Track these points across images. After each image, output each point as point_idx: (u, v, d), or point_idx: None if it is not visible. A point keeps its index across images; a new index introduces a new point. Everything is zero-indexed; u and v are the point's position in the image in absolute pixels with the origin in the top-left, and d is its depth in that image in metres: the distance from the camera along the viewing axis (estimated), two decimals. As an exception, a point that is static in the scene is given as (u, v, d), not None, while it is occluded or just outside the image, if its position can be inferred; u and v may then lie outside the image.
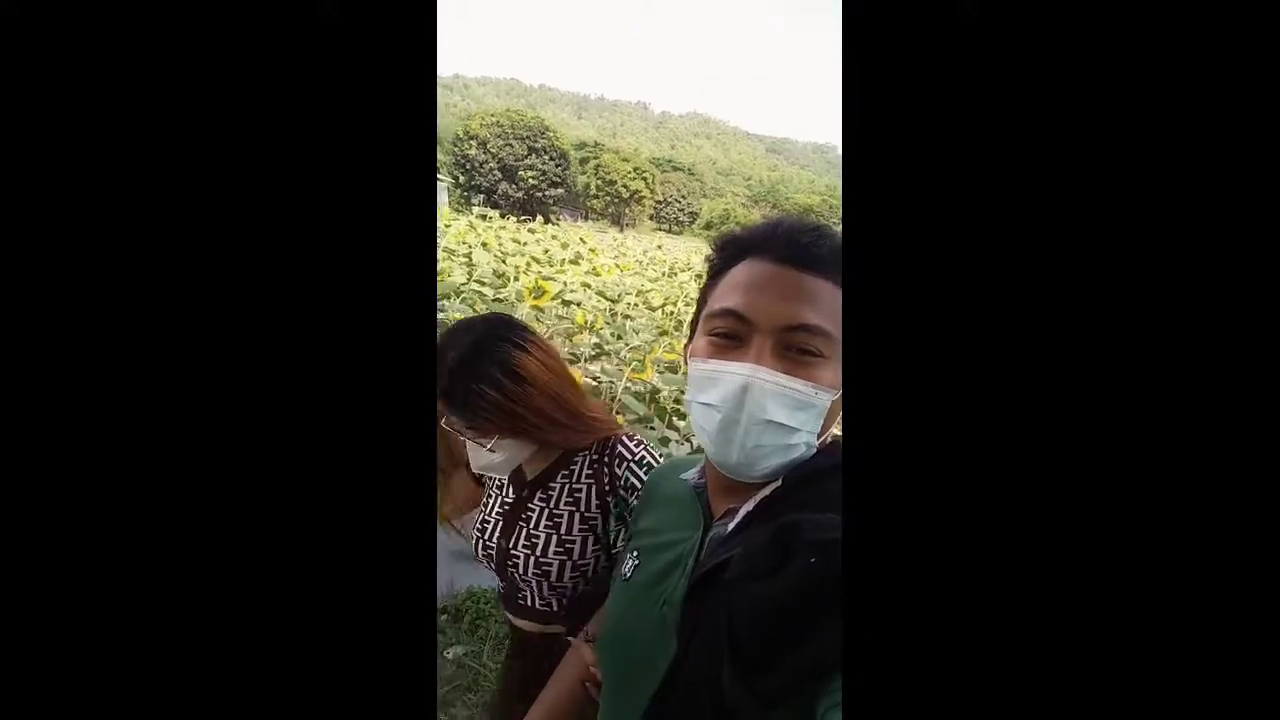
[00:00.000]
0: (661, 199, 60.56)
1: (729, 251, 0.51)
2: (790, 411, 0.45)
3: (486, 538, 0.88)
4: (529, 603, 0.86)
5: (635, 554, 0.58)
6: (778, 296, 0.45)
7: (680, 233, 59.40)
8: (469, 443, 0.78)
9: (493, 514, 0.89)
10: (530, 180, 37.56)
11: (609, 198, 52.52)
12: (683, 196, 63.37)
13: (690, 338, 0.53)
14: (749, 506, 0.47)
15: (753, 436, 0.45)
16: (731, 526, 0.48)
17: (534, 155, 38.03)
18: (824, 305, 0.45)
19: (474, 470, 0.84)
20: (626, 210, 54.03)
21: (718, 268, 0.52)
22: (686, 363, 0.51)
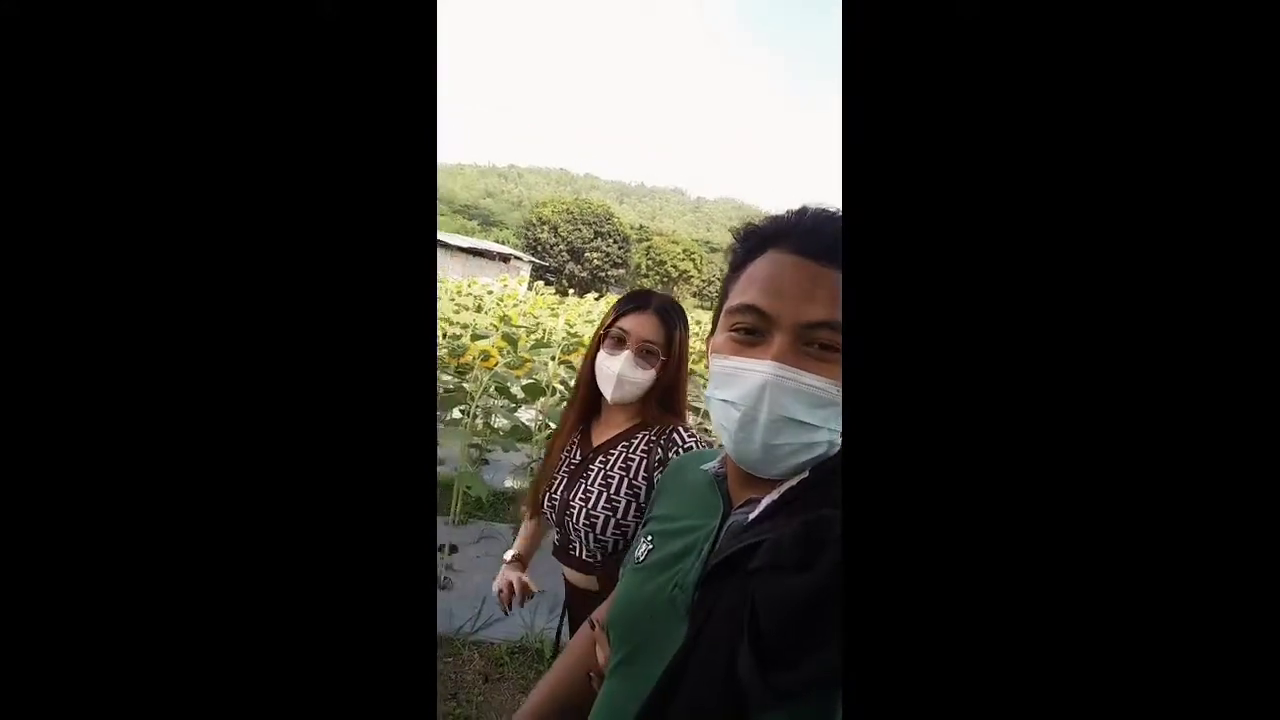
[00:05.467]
0: (706, 278, 62.25)
1: (751, 243, 0.48)
2: (810, 409, 0.43)
3: (553, 492, 1.01)
4: (577, 553, 0.97)
5: (650, 538, 0.56)
6: (799, 292, 0.43)
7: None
8: (601, 362, 0.97)
9: (560, 473, 1.02)
10: (595, 261, 39.46)
11: (659, 277, 54.31)
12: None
13: (712, 331, 0.50)
14: (773, 497, 0.45)
15: (772, 434, 0.43)
16: (753, 516, 0.45)
17: (599, 239, 40.15)
18: None
19: (611, 399, 0.98)
20: (675, 289, 55.63)
21: (739, 260, 0.49)
22: (708, 357, 0.49)
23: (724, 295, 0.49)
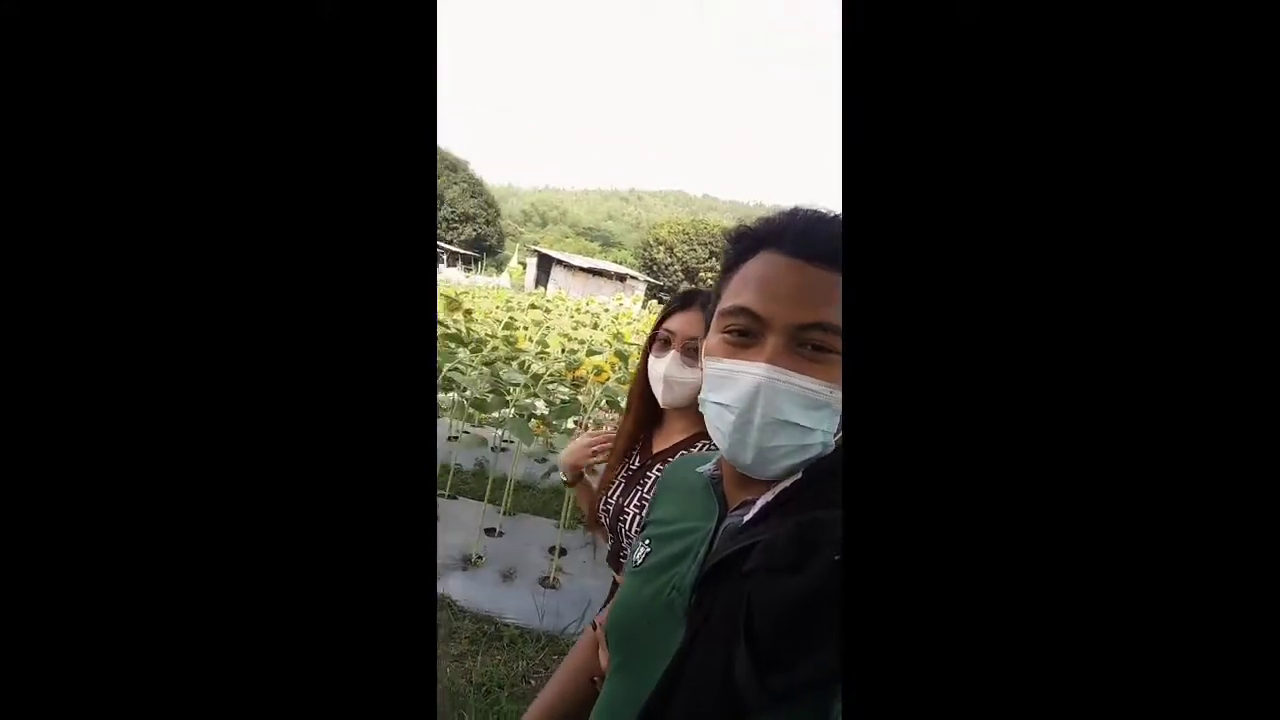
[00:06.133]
0: (826, 297, 59.97)
1: (743, 245, 0.48)
2: (805, 411, 0.42)
3: (609, 495, 0.97)
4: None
5: (648, 542, 0.55)
6: (792, 293, 0.43)
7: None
8: (651, 366, 0.93)
9: (620, 477, 0.98)
10: (709, 280, 39.62)
11: (775, 295, 53.23)
12: (847, 295, 62.29)
13: (705, 334, 0.50)
14: (768, 498, 0.45)
15: (767, 436, 0.43)
16: (748, 517, 0.45)
17: (714, 259, 40.29)
18: (840, 301, 0.41)
19: (663, 402, 0.93)
20: (791, 307, 54.17)
21: (732, 261, 0.48)
22: (702, 360, 0.48)
23: (717, 297, 0.49)
